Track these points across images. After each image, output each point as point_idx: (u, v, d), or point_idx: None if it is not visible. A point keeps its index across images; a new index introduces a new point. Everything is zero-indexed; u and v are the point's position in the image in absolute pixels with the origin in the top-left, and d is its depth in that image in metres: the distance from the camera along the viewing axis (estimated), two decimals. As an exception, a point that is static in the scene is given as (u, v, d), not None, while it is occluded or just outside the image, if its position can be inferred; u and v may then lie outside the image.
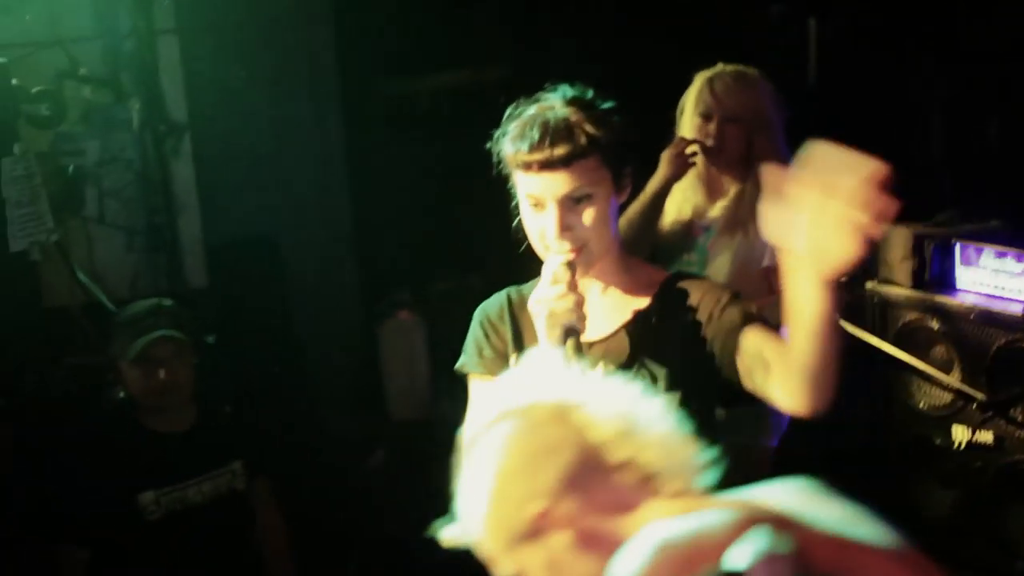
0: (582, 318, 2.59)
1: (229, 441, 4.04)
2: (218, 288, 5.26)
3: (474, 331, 2.94)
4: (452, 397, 5.58)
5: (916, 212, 5.72)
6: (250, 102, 5.50)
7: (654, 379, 2.68)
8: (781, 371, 2.46)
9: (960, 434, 5.05)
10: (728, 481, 3.83)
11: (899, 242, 5.45)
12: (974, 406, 4.99)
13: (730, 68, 4.47)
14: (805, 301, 2.17)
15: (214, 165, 5.37)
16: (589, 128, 2.60)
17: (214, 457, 3.98)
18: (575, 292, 2.60)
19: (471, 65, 6.49)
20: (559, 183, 2.60)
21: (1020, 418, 4.90)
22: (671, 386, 2.66)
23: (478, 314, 2.94)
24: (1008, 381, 4.96)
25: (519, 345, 2.89)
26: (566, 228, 2.62)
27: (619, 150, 2.66)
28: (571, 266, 2.65)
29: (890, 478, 5.47)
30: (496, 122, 2.73)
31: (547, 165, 2.59)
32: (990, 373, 5.00)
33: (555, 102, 2.66)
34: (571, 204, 2.62)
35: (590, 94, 2.71)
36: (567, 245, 2.63)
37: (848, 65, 6.91)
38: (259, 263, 5.51)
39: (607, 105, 2.71)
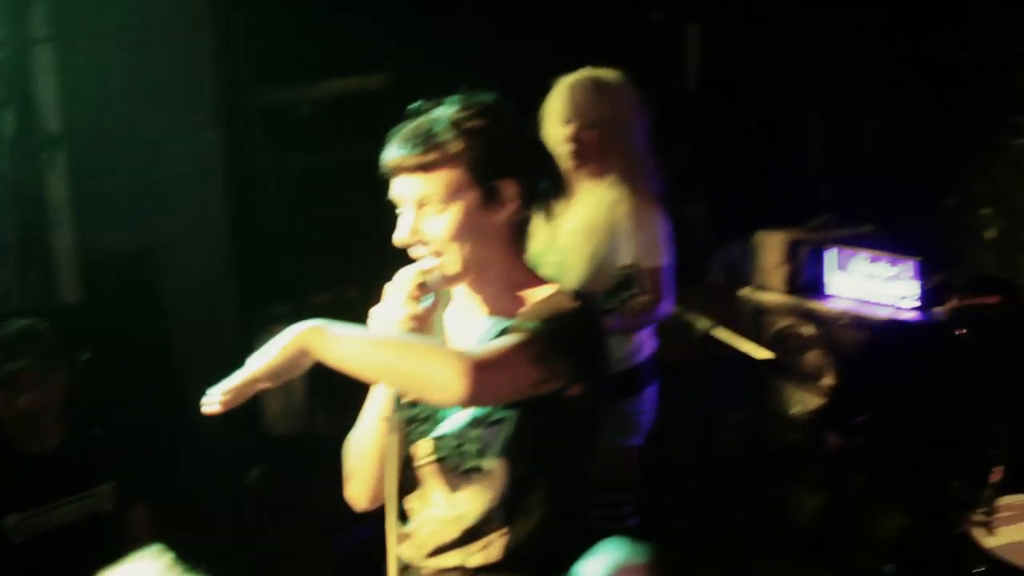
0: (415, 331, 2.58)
1: (98, 463, 3.96)
2: (93, 303, 5.19)
3: None
4: (329, 411, 5.58)
5: (791, 217, 5.82)
6: (127, 113, 5.43)
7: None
8: None
9: (832, 439, 5.14)
10: (598, 479, 3.84)
11: (773, 247, 5.53)
12: (845, 411, 5.09)
13: (590, 74, 4.54)
14: None
15: (90, 177, 5.28)
16: (452, 139, 2.57)
17: (81, 479, 3.90)
18: (413, 305, 2.59)
19: (352, 74, 6.48)
20: (409, 187, 2.61)
21: (890, 422, 5.00)
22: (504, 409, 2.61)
23: None
24: (879, 385, 5.07)
25: None
26: (412, 232, 2.62)
27: (491, 163, 2.59)
28: (421, 277, 2.65)
29: (763, 482, 5.55)
30: (377, 131, 2.72)
31: (400, 170, 2.61)
32: (862, 377, 5.11)
33: (443, 110, 2.63)
34: (423, 210, 2.62)
35: (483, 102, 2.66)
36: (419, 251, 2.63)
37: (727, 71, 7.00)
38: (135, 277, 5.44)
39: (502, 114, 2.65)
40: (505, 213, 2.64)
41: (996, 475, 3.81)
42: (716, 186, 6.73)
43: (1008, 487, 3.59)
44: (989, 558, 3.69)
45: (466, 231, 2.60)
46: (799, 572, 5.26)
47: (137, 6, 5.37)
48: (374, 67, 6.42)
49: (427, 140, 2.58)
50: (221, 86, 5.89)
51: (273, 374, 2.45)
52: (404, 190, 2.62)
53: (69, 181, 5.20)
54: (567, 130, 4.45)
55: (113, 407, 4.53)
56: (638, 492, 4.61)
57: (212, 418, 2.46)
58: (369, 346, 2.46)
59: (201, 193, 5.75)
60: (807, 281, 5.40)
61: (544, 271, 2.87)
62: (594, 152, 4.46)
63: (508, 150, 2.63)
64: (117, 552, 3.95)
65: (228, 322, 5.69)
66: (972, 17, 5.26)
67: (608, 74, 4.54)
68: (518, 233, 2.72)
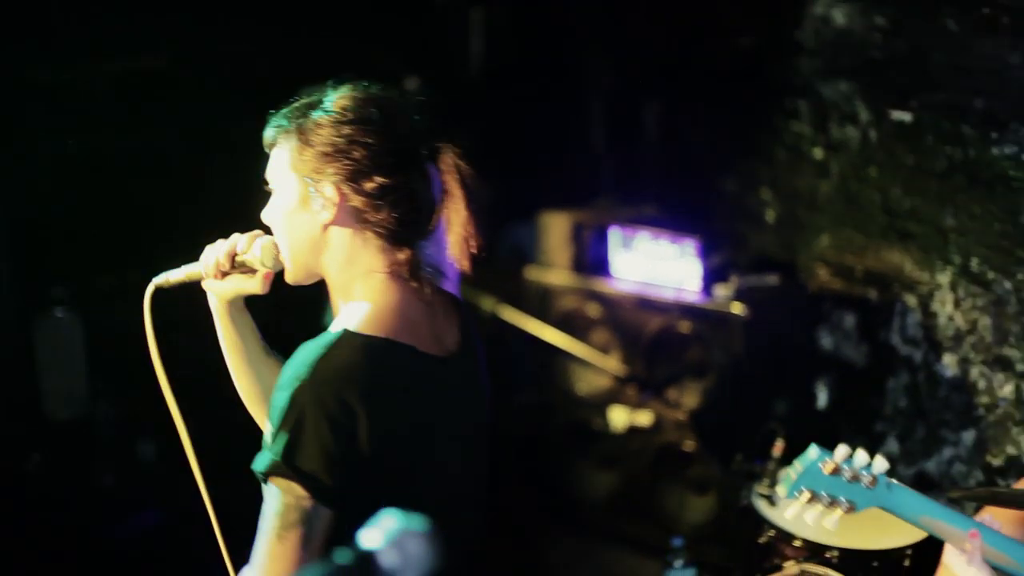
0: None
1: None
2: None
3: None
4: (109, 397, 5.46)
5: (576, 199, 5.89)
6: None
7: None
8: None
9: (619, 417, 5.23)
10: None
11: (558, 228, 5.59)
12: (631, 390, 5.18)
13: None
14: None
15: None
16: (287, 127, 2.55)
17: None
18: (214, 268, 2.63)
19: (130, 53, 6.32)
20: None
21: (675, 400, 5.10)
22: None
23: None
24: (663, 364, 5.17)
25: None
26: (263, 212, 2.63)
27: (310, 161, 2.49)
28: (243, 247, 2.64)
29: (553, 461, 5.61)
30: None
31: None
32: (646, 357, 5.20)
33: (318, 97, 2.59)
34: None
35: (351, 102, 2.57)
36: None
37: (512, 54, 7.03)
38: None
39: (348, 117, 2.53)
40: (321, 217, 2.52)
41: (778, 449, 3.93)
42: (501, 167, 6.76)
43: (789, 460, 3.69)
44: (772, 528, 3.81)
45: (284, 224, 2.57)
46: (589, 549, 5.34)
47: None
48: (153, 48, 6.28)
49: (272, 123, 2.58)
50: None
51: None
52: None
53: None
54: None
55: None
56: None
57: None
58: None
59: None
60: (592, 261, 5.47)
61: None
62: None
63: (338, 154, 2.50)
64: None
65: (3, 305, 5.50)
66: (750, 2, 5.39)
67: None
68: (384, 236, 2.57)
